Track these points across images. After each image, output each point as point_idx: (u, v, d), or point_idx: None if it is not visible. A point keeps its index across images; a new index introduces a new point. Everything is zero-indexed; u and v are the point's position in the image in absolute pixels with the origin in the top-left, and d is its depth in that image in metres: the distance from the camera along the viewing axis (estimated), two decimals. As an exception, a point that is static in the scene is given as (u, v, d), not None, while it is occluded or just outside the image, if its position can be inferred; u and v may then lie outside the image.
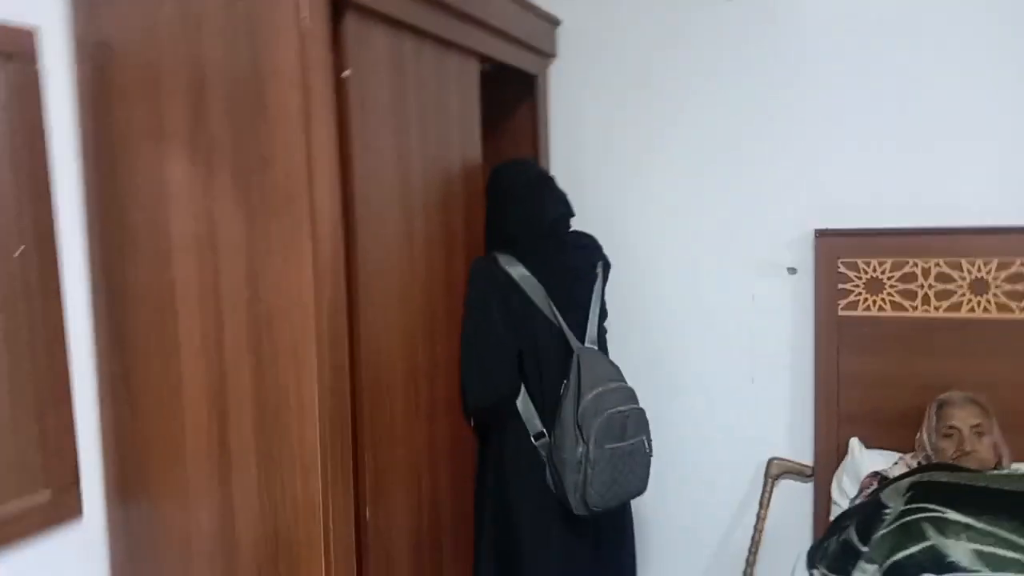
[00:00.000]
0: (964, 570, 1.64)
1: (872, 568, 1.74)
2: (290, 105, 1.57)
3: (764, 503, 2.51)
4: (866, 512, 1.88)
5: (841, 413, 2.43)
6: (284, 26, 1.55)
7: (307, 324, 1.59)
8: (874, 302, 2.39)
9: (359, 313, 1.76)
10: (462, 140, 2.21)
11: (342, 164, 1.69)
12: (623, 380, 2.21)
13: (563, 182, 2.38)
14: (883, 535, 1.76)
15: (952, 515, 1.70)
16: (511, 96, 2.67)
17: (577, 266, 2.32)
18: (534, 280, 2.18)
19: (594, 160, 2.70)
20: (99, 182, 1.76)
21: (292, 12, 1.54)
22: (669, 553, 2.71)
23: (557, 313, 2.19)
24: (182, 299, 1.70)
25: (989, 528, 1.67)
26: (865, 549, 1.79)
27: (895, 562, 1.70)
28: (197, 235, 1.67)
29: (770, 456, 2.54)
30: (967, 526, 1.68)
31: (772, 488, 2.52)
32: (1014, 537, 1.65)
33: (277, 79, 1.57)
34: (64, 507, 1.73)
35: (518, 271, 2.18)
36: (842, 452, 2.40)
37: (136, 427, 1.78)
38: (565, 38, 2.71)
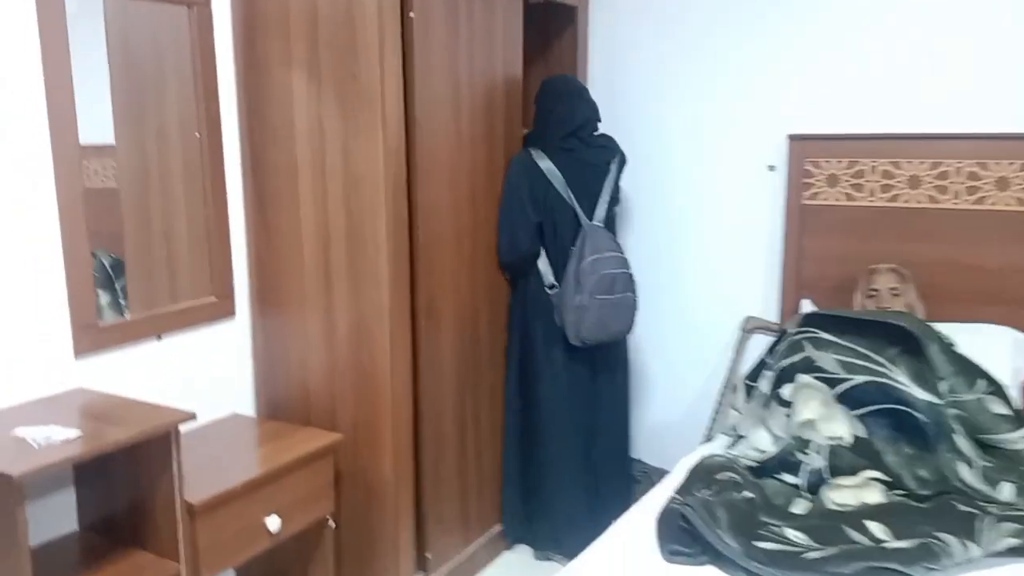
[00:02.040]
0: (827, 372, 2.32)
1: (770, 374, 2.44)
2: (370, 38, 2.33)
3: (739, 351, 3.20)
4: (777, 337, 2.57)
5: (801, 282, 3.07)
6: (366, -16, 2.32)
7: (379, 186, 2.40)
8: (831, 194, 2.99)
9: (417, 180, 2.54)
10: (505, 62, 2.91)
11: (406, 79, 2.45)
12: (619, 251, 2.94)
13: (597, 96, 3.05)
14: (779, 349, 2.46)
15: (824, 335, 2.37)
16: (556, 24, 3.34)
17: (594, 161, 2.99)
18: (557, 171, 2.89)
19: (623, 79, 3.35)
20: (248, 90, 2.59)
21: (372, -26, 2.30)
22: (661, 384, 3.47)
23: (572, 197, 2.90)
24: (301, 169, 2.53)
25: (850, 345, 2.34)
26: (770, 361, 2.49)
27: (782, 367, 2.40)
28: (310, 126, 2.48)
29: (746, 315, 3.22)
30: (833, 343, 2.35)
31: (746, 339, 3.20)
32: (866, 351, 2.31)
33: (362, 20, 2.34)
34: (223, 308, 2.63)
35: (545, 164, 2.90)
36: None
37: (271, 257, 2.65)
38: (604, -26, 3.35)
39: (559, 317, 2.90)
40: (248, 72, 2.57)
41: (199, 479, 2.15)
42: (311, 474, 2.41)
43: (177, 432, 1.97)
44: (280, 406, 2.71)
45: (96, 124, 2.25)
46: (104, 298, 2.30)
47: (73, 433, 1.83)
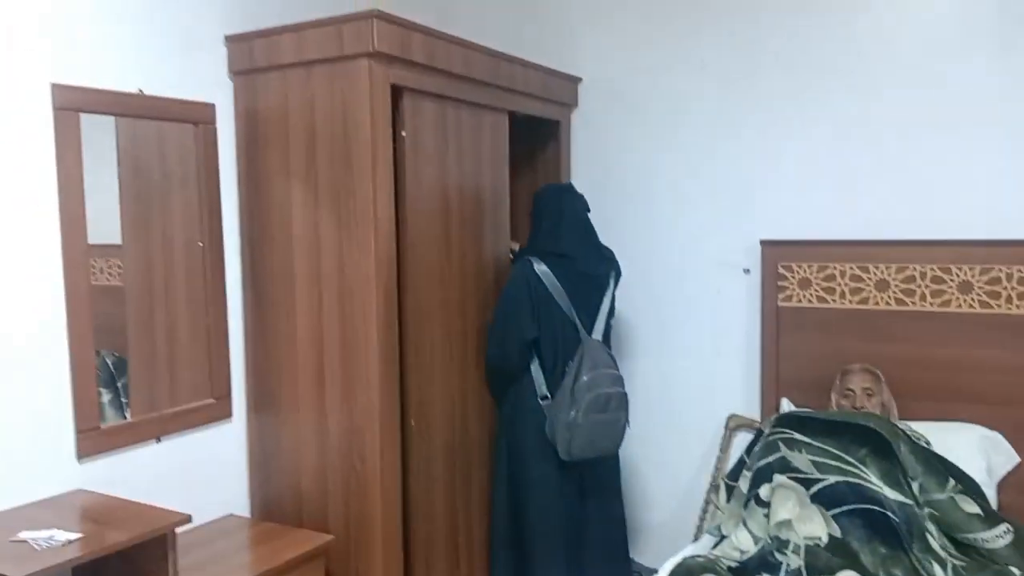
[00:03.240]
0: (802, 472, 2.40)
1: (748, 474, 2.53)
2: (364, 155, 2.50)
3: (724, 448, 3.28)
4: (755, 437, 2.66)
5: (780, 381, 3.18)
6: (361, 106, 2.49)
7: (371, 293, 2.52)
8: (804, 296, 3.13)
9: (408, 287, 2.66)
10: (492, 173, 3.08)
11: (397, 193, 2.61)
12: (615, 367, 2.97)
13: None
14: (754, 451, 2.55)
15: (797, 436, 2.47)
16: (540, 136, 3.54)
17: (594, 274, 3.04)
18: (558, 284, 2.93)
19: (605, 186, 3.53)
20: (248, 201, 2.74)
21: (367, 98, 2.48)
22: (652, 484, 3.53)
23: (573, 310, 2.95)
24: (298, 276, 2.66)
25: (821, 445, 2.43)
26: (748, 460, 2.58)
27: (758, 467, 2.48)
28: (307, 237, 2.63)
29: (729, 413, 3.31)
30: (806, 443, 2.44)
31: (730, 437, 3.29)
32: (837, 451, 2.40)
33: (357, 138, 2.51)
34: (221, 410, 2.72)
35: (548, 277, 2.93)
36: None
37: (267, 361, 2.75)
38: (584, 89, 3.56)
39: (550, 430, 2.90)
40: (249, 185, 2.74)
41: (192, 582, 2.20)
42: (305, 572, 2.46)
43: (174, 535, 2.04)
44: (274, 506, 2.77)
45: (105, 225, 2.40)
46: (106, 396, 2.40)
47: (74, 535, 1.90)
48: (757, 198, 3.26)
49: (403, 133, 2.64)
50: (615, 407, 2.92)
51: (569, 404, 2.84)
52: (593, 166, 3.57)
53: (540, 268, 2.94)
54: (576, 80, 3.54)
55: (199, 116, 2.62)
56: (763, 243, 3.20)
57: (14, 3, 2.14)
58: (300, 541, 2.53)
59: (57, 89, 2.22)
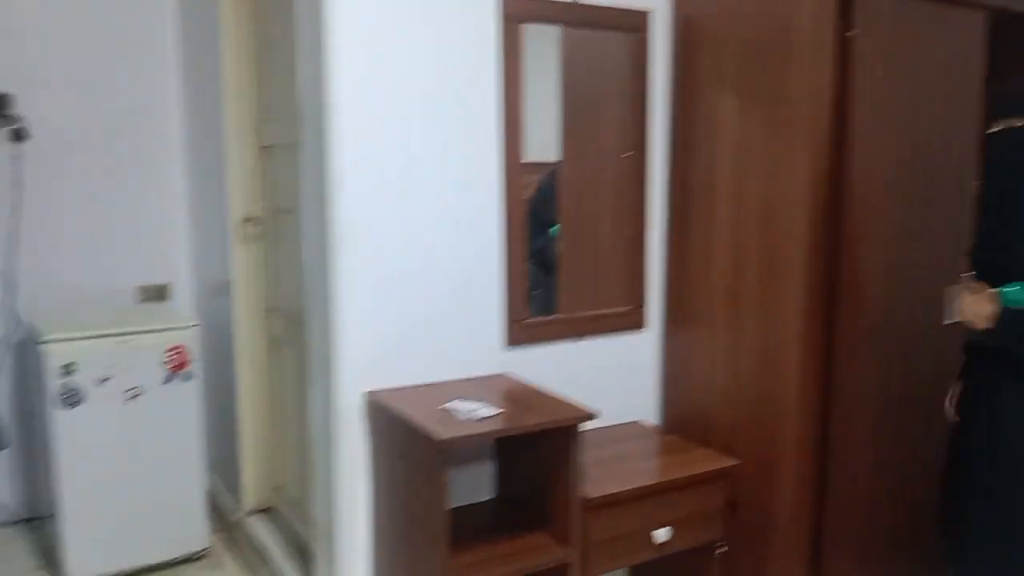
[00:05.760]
0: None
1: None
2: (803, 58, 2.27)
3: None
4: None
5: None
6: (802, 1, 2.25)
7: (800, 214, 2.30)
8: None
9: (848, 211, 2.36)
10: (962, 88, 2.59)
11: (840, 103, 2.31)
12: None
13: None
14: None
15: None
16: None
17: None
18: None
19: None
20: (676, 112, 2.68)
21: None
22: None
23: None
24: (719, 190, 2.54)
25: None
26: None
27: None
28: (732, 147, 2.49)
29: None
30: None
31: None
32: None
33: (797, 39, 2.28)
34: (635, 319, 2.74)
35: None
36: None
37: (682, 275, 2.70)
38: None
39: None
40: (678, 95, 2.66)
41: (597, 476, 2.25)
42: (705, 494, 2.40)
43: (580, 428, 2.10)
44: (680, 422, 2.74)
45: (536, 142, 2.50)
46: (535, 295, 2.55)
47: (493, 412, 2.05)
48: None
49: (851, 33, 2.33)
50: None
51: None
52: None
53: None
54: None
55: (633, 24, 2.60)
56: None
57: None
58: (705, 459, 2.47)
59: (505, -2, 2.34)
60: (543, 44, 2.49)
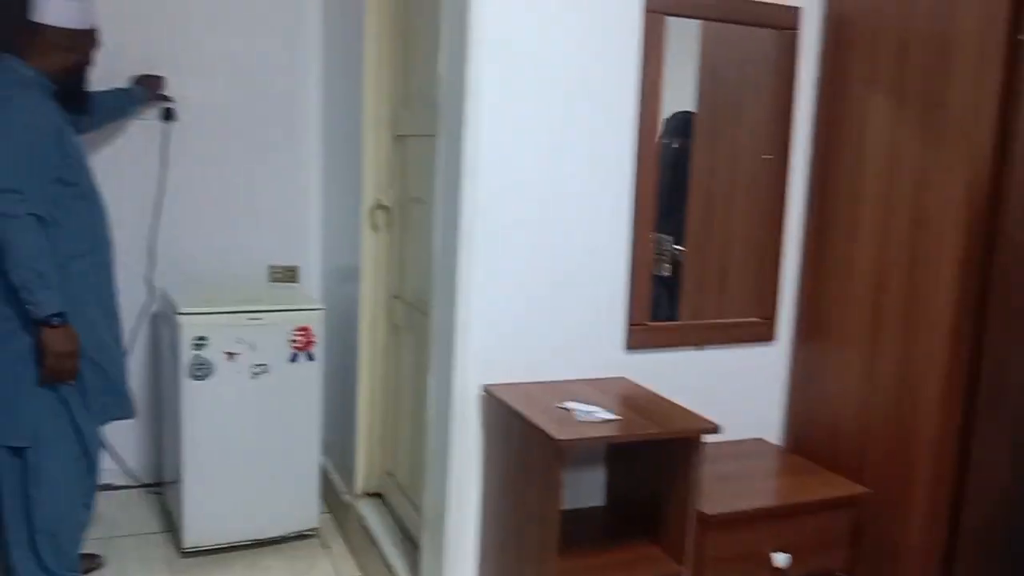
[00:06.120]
0: None
1: None
2: (967, 62, 2.10)
3: None
4: None
5: None
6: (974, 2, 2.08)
7: (953, 224, 2.13)
8: None
9: (1005, 234, 2.16)
10: None
11: (1006, 110, 2.13)
12: None
13: None
14: None
15: None
16: None
17: None
18: None
19: None
20: (823, 114, 2.54)
21: None
22: None
23: None
24: (864, 198, 2.39)
25: None
26: None
27: None
28: (882, 153, 2.33)
29: None
30: None
31: None
32: None
33: (960, 42, 2.11)
34: (764, 331, 2.61)
35: None
36: None
37: (818, 287, 2.55)
38: None
39: None
40: (826, 96, 2.52)
41: (715, 493, 2.16)
42: (829, 521, 2.27)
43: (703, 440, 2.01)
44: (805, 442, 2.59)
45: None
46: (657, 299, 2.47)
47: (612, 416, 1.99)
48: None
49: (1022, 36, 2.14)
50: None
51: None
52: None
53: None
54: None
55: (782, 20, 2.48)
56: None
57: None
58: (831, 484, 2.33)
59: (649, -10, 2.27)
60: (683, 39, 2.41)
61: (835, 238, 2.49)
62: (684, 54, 2.43)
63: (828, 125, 2.51)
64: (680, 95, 2.42)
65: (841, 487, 2.32)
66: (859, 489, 2.31)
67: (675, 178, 2.50)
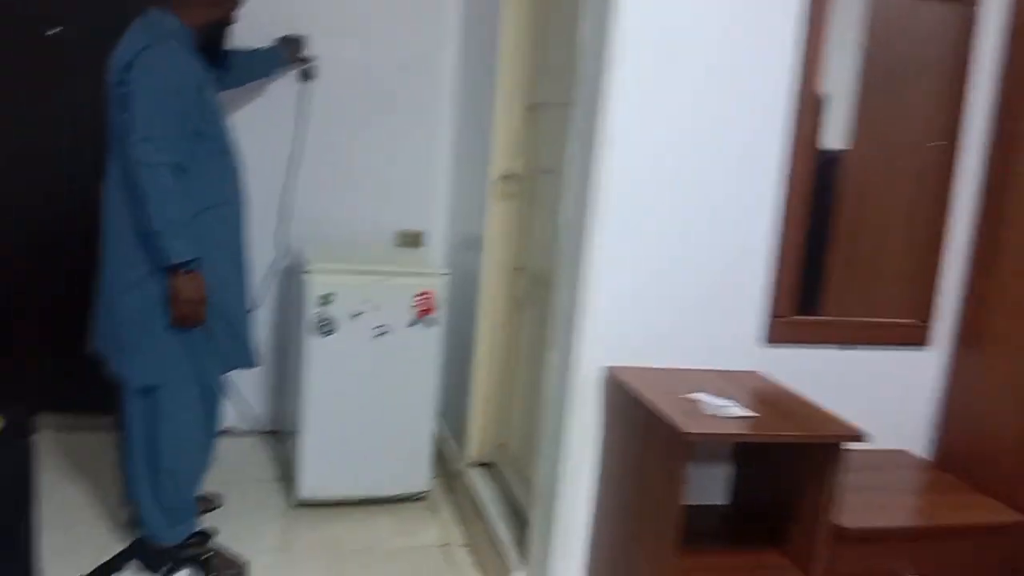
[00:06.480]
0: None
1: None
2: None
3: None
4: None
5: None
6: None
7: None
8: None
9: None
10: None
11: None
12: None
13: None
14: None
15: None
16: None
17: None
18: None
19: None
20: (1004, 96, 2.28)
21: None
22: None
23: None
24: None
25: None
26: None
27: None
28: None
29: None
30: None
31: None
32: None
33: None
34: (918, 335, 2.39)
35: None
36: None
37: (986, 290, 2.31)
38: None
39: None
40: (1010, 78, 2.27)
41: (853, 505, 1.99)
42: (977, 548, 2.07)
43: (844, 447, 1.85)
44: (955, 458, 2.37)
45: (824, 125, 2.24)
46: (802, 292, 2.30)
47: (747, 413, 1.85)
48: None
49: None
50: None
51: None
52: None
53: None
54: None
55: (963, -7, 2.24)
56: None
57: None
58: (982, 507, 2.12)
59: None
60: (845, 13, 2.20)
61: (1011, 237, 2.25)
62: (842, 32, 2.22)
63: (1011, 111, 2.26)
64: (836, 79, 2.22)
65: (994, 512, 2.10)
66: (1015, 516, 2.09)
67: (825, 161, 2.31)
